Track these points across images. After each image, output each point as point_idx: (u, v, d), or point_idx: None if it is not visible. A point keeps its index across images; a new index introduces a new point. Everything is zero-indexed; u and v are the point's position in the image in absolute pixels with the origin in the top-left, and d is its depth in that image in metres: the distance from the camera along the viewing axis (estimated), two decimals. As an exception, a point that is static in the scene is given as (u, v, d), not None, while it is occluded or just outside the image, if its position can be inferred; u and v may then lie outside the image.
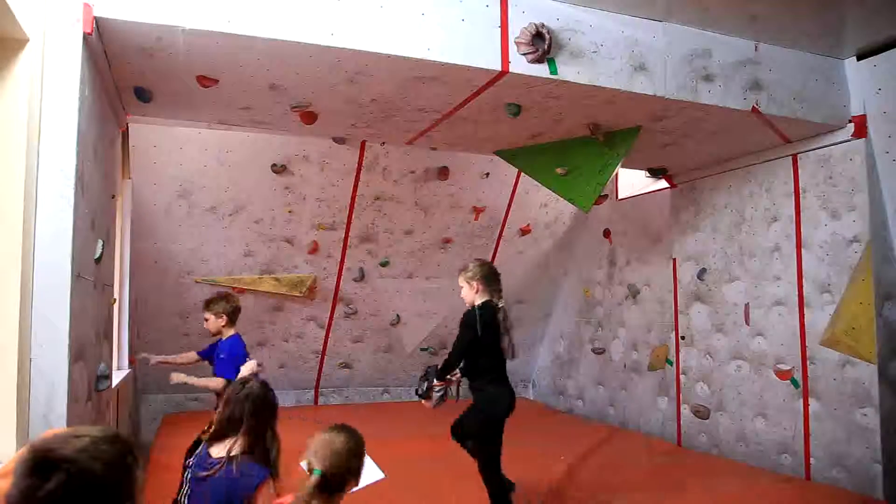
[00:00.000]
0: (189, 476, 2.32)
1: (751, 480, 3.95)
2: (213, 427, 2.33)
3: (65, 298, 2.44)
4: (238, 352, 3.88)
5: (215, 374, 3.84)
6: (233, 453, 2.25)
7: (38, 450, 1.11)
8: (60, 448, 1.11)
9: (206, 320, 4.00)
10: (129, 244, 4.66)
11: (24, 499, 1.08)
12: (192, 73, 3.17)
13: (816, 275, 4.07)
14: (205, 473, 2.24)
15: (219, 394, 3.74)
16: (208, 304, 4.01)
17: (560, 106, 3.60)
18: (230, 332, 3.97)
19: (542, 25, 3.13)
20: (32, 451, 1.12)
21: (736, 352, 4.62)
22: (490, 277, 3.47)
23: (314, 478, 1.96)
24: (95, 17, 2.57)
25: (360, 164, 5.48)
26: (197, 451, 2.35)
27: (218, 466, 2.24)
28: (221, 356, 3.88)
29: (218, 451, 2.29)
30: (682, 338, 5.11)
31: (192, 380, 3.83)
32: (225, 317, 3.93)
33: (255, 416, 2.30)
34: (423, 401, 3.49)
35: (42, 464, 1.09)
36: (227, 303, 3.97)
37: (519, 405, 6.71)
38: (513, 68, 3.13)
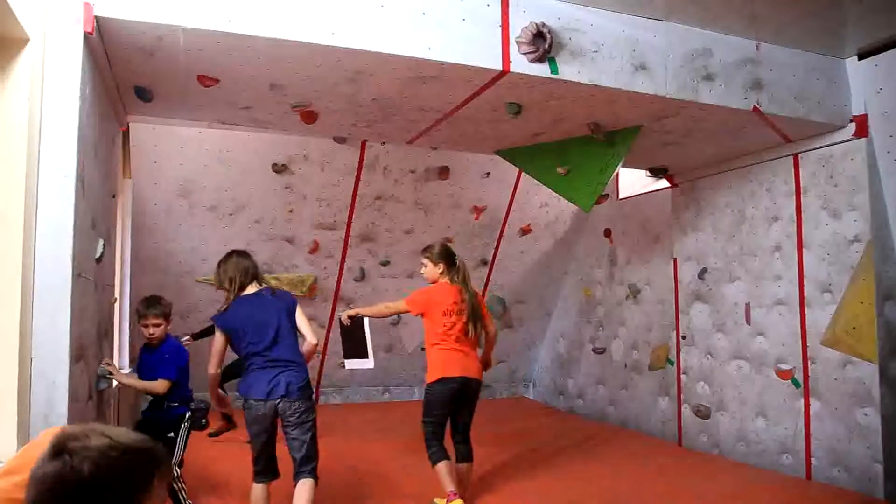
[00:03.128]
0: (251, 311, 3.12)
1: (751, 480, 3.95)
2: (229, 283, 3.18)
3: (65, 298, 2.44)
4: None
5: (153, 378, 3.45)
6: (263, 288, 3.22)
7: (63, 434, 1.13)
8: (77, 440, 1.12)
9: (157, 326, 3.50)
10: (129, 243, 4.66)
11: (33, 470, 1.12)
12: (192, 72, 3.17)
13: (817, 274, 4.06)
14: (270, 299, 3.18)
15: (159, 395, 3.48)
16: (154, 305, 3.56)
17: (561, 105, 3.60)
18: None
19: (543, 25, 3.12)
20: (60, 433, 1.14)
21: (737, 351, 4.62)
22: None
23: (462, 260, 3.74)
24: (96, 17, 2.57)
25: (360, 163, 5.49)
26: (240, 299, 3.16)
27: (270, 292, 3.21)
28: (166, 356, 3.49)
29: (252, 290, 3.19)
30: (683, 337, 5.11)
31: (133, 381, 3.47)
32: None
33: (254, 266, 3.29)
34: None
35: (56, 447, 1.11)
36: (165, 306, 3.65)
37: (519, 404, 6.78)
38: (513, 68, 3.13)
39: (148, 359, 3.50)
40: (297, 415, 3.03)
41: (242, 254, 3.30)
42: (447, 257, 3.65)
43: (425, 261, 3.71)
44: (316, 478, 3.06)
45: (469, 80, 3.26)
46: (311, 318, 5.98)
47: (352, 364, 3.72)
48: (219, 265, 3.27)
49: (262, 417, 3.03)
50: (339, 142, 5.21)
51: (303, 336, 3.25)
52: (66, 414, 2.42)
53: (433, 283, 3.70)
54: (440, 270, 3.63)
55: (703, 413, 4.86)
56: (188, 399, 3.66)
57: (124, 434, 1.18)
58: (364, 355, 3.62)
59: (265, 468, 3.07)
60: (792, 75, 3.73)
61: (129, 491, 1.13)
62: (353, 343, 3.68)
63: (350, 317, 3.72)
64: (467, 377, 3.56)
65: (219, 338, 3.16)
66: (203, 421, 3.88)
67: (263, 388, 3.02)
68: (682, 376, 5.11)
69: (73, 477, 1.08)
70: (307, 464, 3.05)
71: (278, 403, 3.01)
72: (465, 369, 3.56)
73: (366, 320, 3.67)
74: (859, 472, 3.76)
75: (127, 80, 3.29)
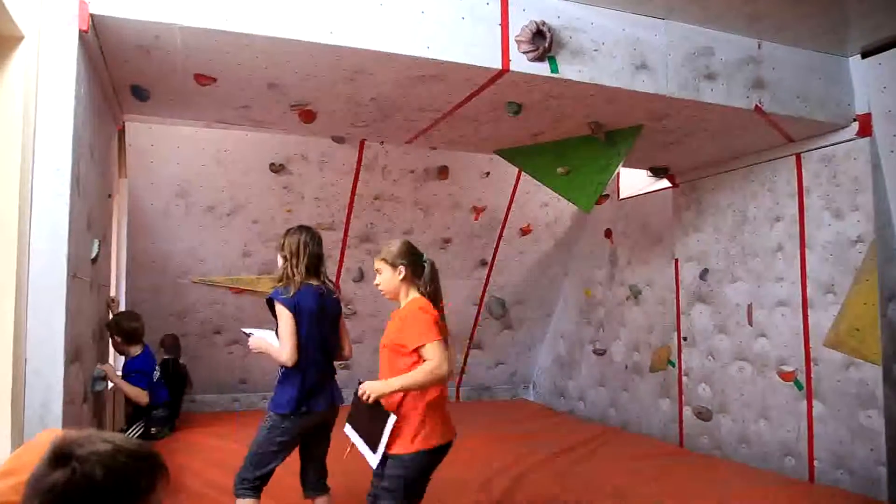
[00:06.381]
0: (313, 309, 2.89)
1: (753, 482, 3.91)
2: (294, 258, 2.92)
3: (60, 299, 2.42)
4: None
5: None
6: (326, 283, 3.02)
7: (63, 441, 1.13)
8: (81, 446, 1.12)
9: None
10: (125, 244, 4.64)
11: (33, 481, 1.12)
12: (189, 71, 3.14)
13: (820, 275, 4.04)
14: (331, 300, 3.01)
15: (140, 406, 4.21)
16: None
17: (561, 105, 3.58)
18: (138, 349, 4.23)
19: (543, 23, 3.10)
20: (59, 440, 1.14)
21: (738, 353, 4.59)
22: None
23: (432, 261, 2.72)
24: (91, 15, 2.55)
25: (359, 163, 5.46)
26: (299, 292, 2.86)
27: (330, 292, 3.01)
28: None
29: (316, 283, 2.96)
30: (685, 339, 5.08)
31: (120, 382, 4.00)
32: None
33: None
34: None
35: (59, 455, 1.11)
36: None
37: (520, 406, 6.75)
38: (513, 67, 3.10)
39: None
40: (333, 422, 3.00)
41: (315, 237, 3.00)
42: (410, 257, 2.64)
43: (379, 265, 2.65)
44: None
45: (468, 79, 3.23)
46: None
47: (357, 444, 2.61)
48: (288, 233, 2.99)
49: (306, 429, 2.90)
50: (338, 141, 5.18)
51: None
52: (61, 416, 2.40)
53: (394, 296, 2.66)
54: (401, 276, 2.60)
55: (704, 415, 4.83)
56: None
57: (124, 439, 1.20)
58: (374, 448, 2.49)
59: (266, 481, 2.88)
60: (794, 74, 3.71)
61: (137, 494, 1.15)
62: (368, 429, 2.55)
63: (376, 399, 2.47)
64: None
65: (290, 317, 2.80)
66: (152, 430, 4.36)
67: (325, 401, 2.91)
68: (684, 378, 5.08)
69: (84, 483, 1.09)
70: (326, 472, 3.04)
71: (329, 413, 2.93)
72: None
73: (390, 421, 2.43)
74: (862, 474, 3.73)
75: (123, 79, 3.27)
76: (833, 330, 3.93)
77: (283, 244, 2.97)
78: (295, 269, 2.90)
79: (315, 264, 2.97)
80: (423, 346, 2.41)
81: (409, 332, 2.47)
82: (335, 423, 3.02)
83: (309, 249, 2.93)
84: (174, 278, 5.54)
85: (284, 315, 2.80)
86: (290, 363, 2.79)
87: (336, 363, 3.12)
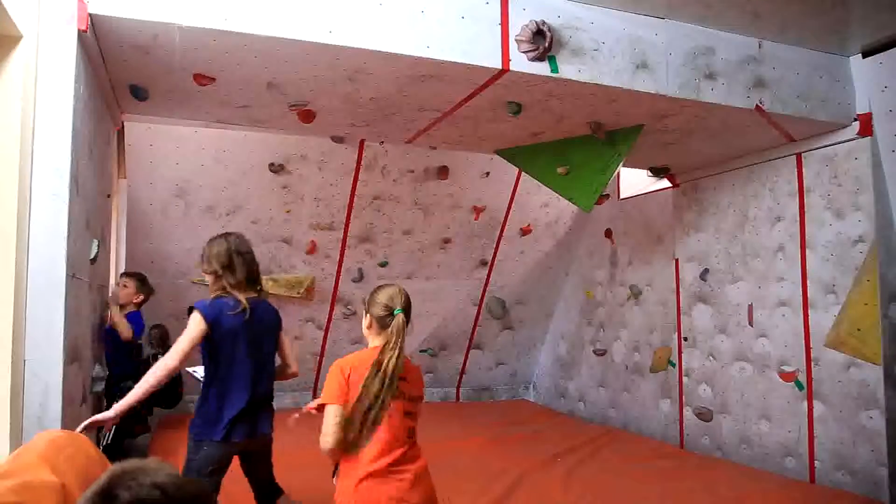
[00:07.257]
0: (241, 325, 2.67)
1: (754, 483, 3.91)
2: (224, 271, 2.74)
3: (59, 299, 2.42)
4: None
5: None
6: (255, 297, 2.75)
7: (112, 479, 1.13)
8: (129, 489, 1.11)
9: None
10: (124, 244, 4.63)
11: None
12: (188, 71, 3.13)
13: (821, 275, 4.03)
14: (268, 312, 2.78)
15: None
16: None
17: (561, 104, 3.57)
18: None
19: (543, 23, 3.09)
20: (113, 473, 1.14)
21: (739, 353, 4.58)
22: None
23: (401, 315, 2.30)
24: (90, 15, 2.54)
25: (358, 163, 5.45)
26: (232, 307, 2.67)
27: (267, 304, 2.81)
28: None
29: (247, 297, 2.71)
30: (685, 339, 5.07)
31: (117, 315, 3.81)
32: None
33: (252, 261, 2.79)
34: None
35: (106, 492, 1.12)
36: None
37: (520, 407, 6.74)
38: (513, 66, 3.09)
39: None
40: (267, 447, 2.81)
41: (243, 241, 2.78)
42: (379, 307, 2.34)
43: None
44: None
45: (468, 78, 3.22)
46: (309, 320, 6.08)
47: None
48: (211, 243, 2.77)
49: (228, 458, 2.63)
50: (337, 141, 5.17)
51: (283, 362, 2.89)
52: (60, 417, 2.40)
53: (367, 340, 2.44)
54: (366, 323, 2.39)
55: (705, 415, 4.82)
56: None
57: (176, 484, 1.16)
58: None
59: None
60: (795, 73, 3.70)
61: None
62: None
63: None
64: None
65: (199, 327, 2.56)
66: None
67: (245, 431, 2.60)
68: (684, 378, 5.07)
69: None
70: (276, 486, 2.85)
71: (250, 444, 2.66)
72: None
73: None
74: (863, 475, 3.72)
75: (122, 79, 3.26)
76: (834, 330, 3.92)
77: (208, 256, 2.74)
78: (228, 282, 2.68)
79: (251, 273, 2.73)
80: (325, 406, 2.21)
81: (325, 386, 2.27)
82: (270, 450, 2.82)
83: (242, 258, 2.71)
84: (173, 279, 5.52)
85: (193, 320, 2.59)
86: (172, 365, 2.48)
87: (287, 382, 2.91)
